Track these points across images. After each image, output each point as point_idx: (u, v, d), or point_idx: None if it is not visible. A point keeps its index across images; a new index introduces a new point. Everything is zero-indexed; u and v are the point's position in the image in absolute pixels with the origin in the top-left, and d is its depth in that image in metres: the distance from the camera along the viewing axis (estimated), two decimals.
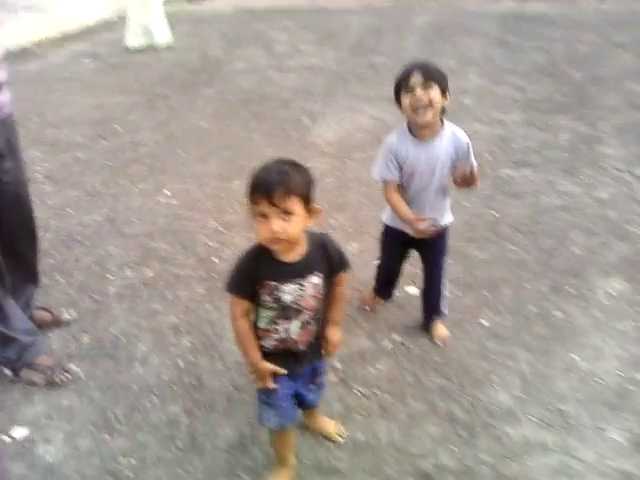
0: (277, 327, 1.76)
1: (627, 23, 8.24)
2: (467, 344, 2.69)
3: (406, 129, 2.29)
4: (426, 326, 2.75)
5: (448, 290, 2.73)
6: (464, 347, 2.67)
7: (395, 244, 2.62)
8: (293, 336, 1.78)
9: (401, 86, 2.18)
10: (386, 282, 2.85)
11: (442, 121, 2.26)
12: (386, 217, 2.57)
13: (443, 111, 2.21)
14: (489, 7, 9.60)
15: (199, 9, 10.56)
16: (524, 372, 2.51)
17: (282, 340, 1.78)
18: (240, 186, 3.88)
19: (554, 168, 4.25)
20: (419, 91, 2.11)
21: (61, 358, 2.65)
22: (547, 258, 3.28)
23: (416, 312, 2.82)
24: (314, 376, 1.98)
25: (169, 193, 4.13)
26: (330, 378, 2.44)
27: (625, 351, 2.61)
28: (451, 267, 2.86)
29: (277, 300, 1.70)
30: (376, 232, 2.81)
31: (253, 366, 1.81)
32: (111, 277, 3.26)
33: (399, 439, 2.21)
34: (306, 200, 1.59)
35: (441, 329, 2.72)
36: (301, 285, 1.69)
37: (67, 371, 2.56)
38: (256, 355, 1.79)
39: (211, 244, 3.55)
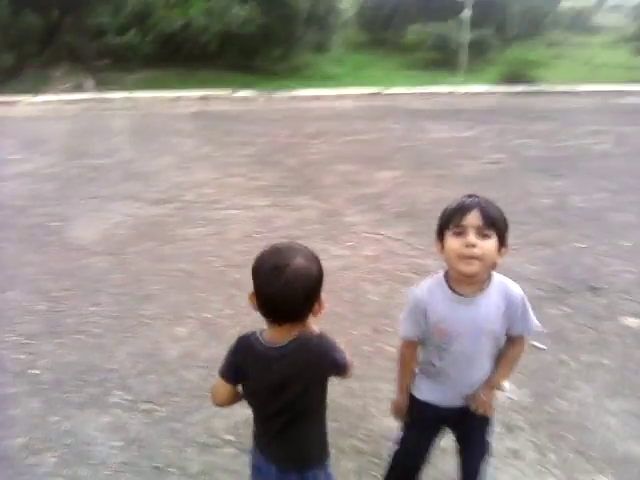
0: None
1: (306, 119, 9.71)
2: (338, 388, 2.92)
3: (442, 279, 1.80)
4: None
5: None
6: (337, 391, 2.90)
7: (426, 424, 2.01)
8: None
9: (449, 222, 1.71)
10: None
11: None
12: (416, 388, 1.97)
13: (493, 267, 1.74)
14: (177, 110, 10.30)
15: None
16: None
17: None
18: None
19: (318, 238, 4.83)
20: (472, 238, 1.66)
21: None
22: (357, 307, 3.76)
23: None
24: None
25: None
26: None
27: None
28: None
29: None
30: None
31: None
32: None
33: None
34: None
35: None
36: None
37: None
38: None
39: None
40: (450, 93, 12.11)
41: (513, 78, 13.25)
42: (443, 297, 1.77)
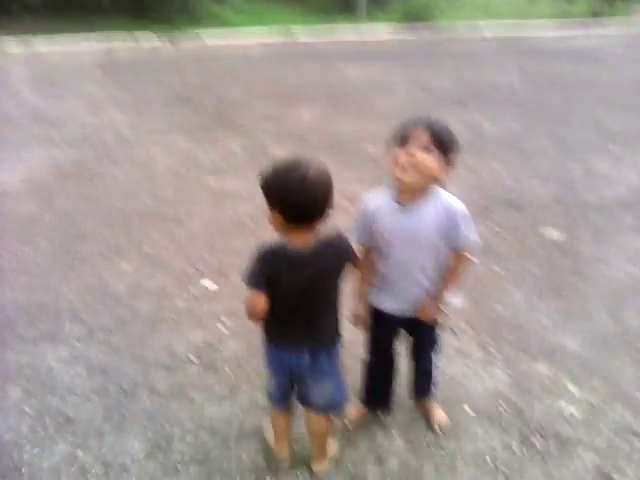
0: None
1: (217, 62, 9.49)
2: None
3: (389, 190, 1.91)
4: (417, 403, 2.42)
5: None
6: None
7: (384, 329, 2.18)
8: None
9: (398, 135, 1.80)
10: (382, 381, 2.35)
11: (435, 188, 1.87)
12: (373, 297, 2.11)
13: (436, 182, 1.83)
14: (81, 60, 9.77)
15: None
16: None
17: None
18: None
19: (248, 171, 4.86)
20: (412, 148, 1.75)
21: None
22: None
23: None
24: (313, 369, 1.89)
25: None
26: None
27: None
28: None
29: None
30: None
31: None
32: None
33: None
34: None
35: (440, 414, 2.37)
36: None
37: None
38: None
39: None
40: (357, 36, 12.16)
41: (413, 21, 13.49)
42: (387, 207, 1.90)
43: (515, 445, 2.26)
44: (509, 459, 2.20)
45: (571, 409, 2.42)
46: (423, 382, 2.35)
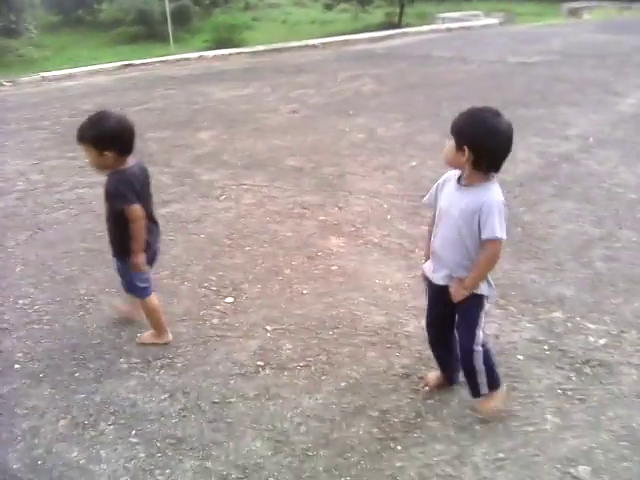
0: None
1: (73, 97, 9.15)
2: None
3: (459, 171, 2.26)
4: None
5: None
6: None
7: (431, 294, 2.48)
8: None
9: None
10: (436, 350, 2.60)
11: (489, 179, 2.18)
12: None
13: (457, 166, 2.22)
14: None
15: None
16: None
17: None
18: None
19: (192, 198, 4.94)
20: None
21: None
22: (279, 244, 4.09)
23: None
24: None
25: None
26: None
27: None
28: None
29: None
30: None
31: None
32: None
33: None
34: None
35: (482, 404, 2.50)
36: None
37: None
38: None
39: None
40: (185, 60, 12.31)
41: (222, 42, 14.04)
42: (451, 182, 2.27)
43: (573, 376, 2.74)
44: (574, 387, 2.67)
45: (600, 341, 2.98)
46: (453, 361, 2.53)
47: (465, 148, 2.10)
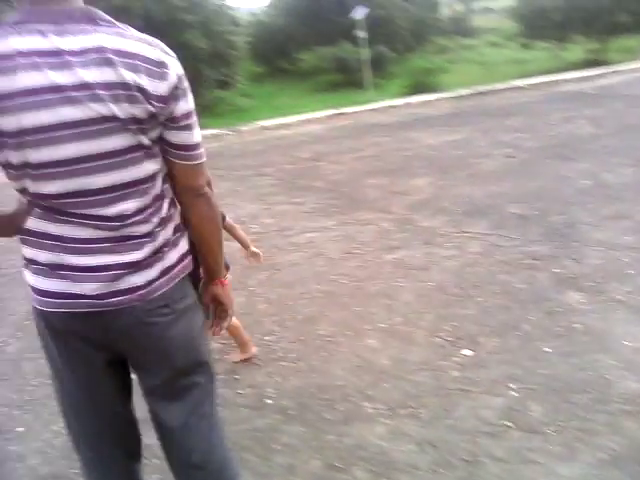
0: None
1: (292, 145, 9.85)
2: None
3: None
4: None
5: None
6: None
7: None
8: None
9: None
10: None
11: None
12: None
13: None
14: None
15: None
16: None
17: None
18: None
19: (416, 245, 5.00)
20: None
21: None
22: (514, 297, 3.95)
23: None
24: None
25: None
26: None
27: None
28: None
29: None
30: None
31: None
32: None
33: None
34: None
35: None
36: None
37: None
38: None
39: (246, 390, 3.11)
40: (391, 107, 12.61)
41: (419, 87, 14.04)
42: None
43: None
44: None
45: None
46: None
47: None
